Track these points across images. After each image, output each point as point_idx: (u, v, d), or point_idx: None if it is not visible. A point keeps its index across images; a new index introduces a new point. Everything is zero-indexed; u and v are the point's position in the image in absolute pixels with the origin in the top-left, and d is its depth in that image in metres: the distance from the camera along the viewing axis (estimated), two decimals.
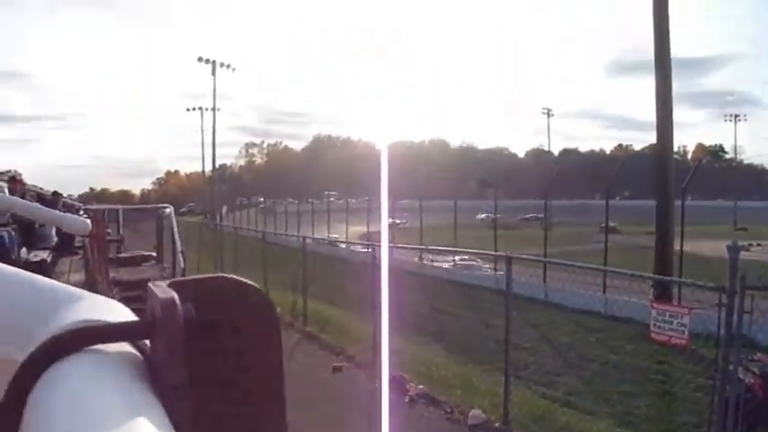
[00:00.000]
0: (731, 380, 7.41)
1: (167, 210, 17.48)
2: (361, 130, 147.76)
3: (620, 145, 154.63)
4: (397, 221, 44.80)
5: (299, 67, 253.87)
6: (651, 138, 27.77)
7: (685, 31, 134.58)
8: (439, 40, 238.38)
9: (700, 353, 9.75)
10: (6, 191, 10.99)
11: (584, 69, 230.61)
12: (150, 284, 0.69)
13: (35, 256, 10.14)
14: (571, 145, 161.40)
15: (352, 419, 10.09)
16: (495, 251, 23.07)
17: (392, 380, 11.79)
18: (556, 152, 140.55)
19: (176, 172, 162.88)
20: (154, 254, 17.06)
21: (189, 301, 0.65)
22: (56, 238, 12.07)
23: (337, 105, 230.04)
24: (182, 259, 14.79)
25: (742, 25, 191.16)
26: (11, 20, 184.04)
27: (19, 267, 0.89)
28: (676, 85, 23.84)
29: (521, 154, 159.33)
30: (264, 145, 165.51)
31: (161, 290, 0.65)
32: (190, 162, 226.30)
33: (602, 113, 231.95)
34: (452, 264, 32.39)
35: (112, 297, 1.03)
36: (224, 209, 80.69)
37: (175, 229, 15.84)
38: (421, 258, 31.92)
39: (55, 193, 17.12)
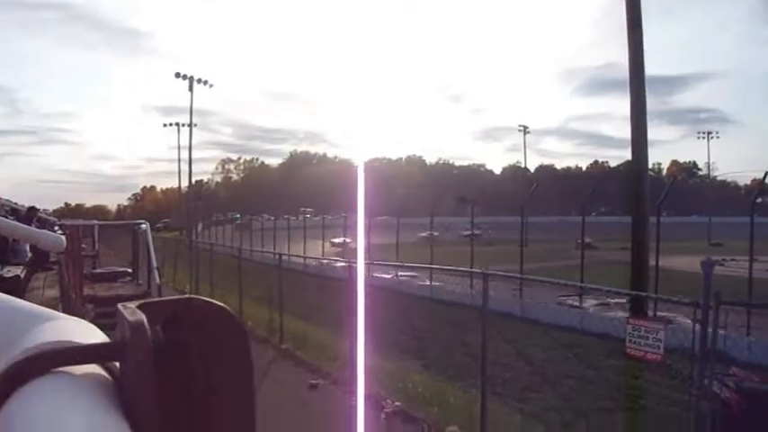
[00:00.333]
0: (707, 395, 7.44)
1: (143, 226, 17.42)
2: (338, 147, 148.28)
3: (595, 162, 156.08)
4: (347, 240, 45.92)
5: (277, 84, 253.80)
6: (626, 155, 27.96)
7: (659, 49, 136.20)
8: (416, 57, 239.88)
9: (675, 368, 9.80)
10: None
11: (560, 87, 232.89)
12: (120, 306, 0.69)
13: (8, 271, 10.05)
14: (547, 161, 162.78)
15: None
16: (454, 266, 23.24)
17: (369, 396, 11.77)
18: (532, 169, 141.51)
19: (152, 187, 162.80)
20: (129, 270, 16.99)
21: (158, 324, 0.65)
22: (30, 254, 11.98)
23: (314, 122, 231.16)
24: (157, 275, 14.73)
25: (714, 44, 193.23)
26: None
27: None
28: (650, 103, 24.04)
29: (497, 171, 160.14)
30: (241, 161, 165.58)
31: (130, 312, 0.65)
32: (166, 178, 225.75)
33: (577, 131, 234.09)
34: (394, 276, 33.97)
35: (87, 313, 1.02)
36: (200, 225, 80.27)
37: (151, 246, 15.78)
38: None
39: (31, 208, 16.99)
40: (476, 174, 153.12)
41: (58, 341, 0.70)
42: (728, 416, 8.20)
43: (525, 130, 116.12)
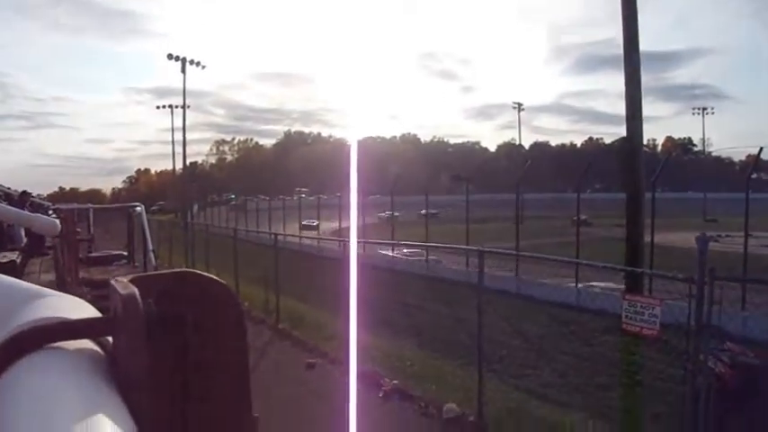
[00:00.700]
0: (702, 370, 7.48)
1: (138, 208, 17.36)
2: (333, 126, 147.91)
3: (590, 138, 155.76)
4: (316, 222, 46.37)
5: (270, 64, 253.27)
6: (621, 131, 27.95)
7: (654, 25, 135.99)
8: (410, 35, 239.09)
9: (671, 344, 9.83)
10: None
11: (554, 64, 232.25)
12: (112, 281, 0.68)
13: (4, 257, 10.02)
14: (542, 138, 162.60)
15: (326, 415, 10.07)
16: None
17: (366, 375, 11.79)
18: (527, 146, 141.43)
19: (147, 170, 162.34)
20: (125, 253, 16.96)
21: (151, 297, 0.65)
22: (25, 239, 11.95)
23: (308, 102, 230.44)
24: (153, 258, 14.72)
25: (709, 21, 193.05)
26: None
27: None
28: (645, 79, 23.98)
29: (492, 148, 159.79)
30: (235, 142, 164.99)
31: (122, 286, 0.65)
32: (161, 160, 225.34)
33: (572, 107, 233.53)
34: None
35: (83, 296, 1.01)
36: (195, 207, 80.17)
37: (146, 228, 15.76)
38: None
39: (24, 192, 16.94)
40: (470, 151, 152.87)
41: (51, 317, 0.70)
42: (723, 390, 8.24)
43: (520, 107, 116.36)
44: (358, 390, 10.84)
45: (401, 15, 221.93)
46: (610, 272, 18.09)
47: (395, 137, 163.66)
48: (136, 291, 0.63)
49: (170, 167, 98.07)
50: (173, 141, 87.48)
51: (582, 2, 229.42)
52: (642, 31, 23.87)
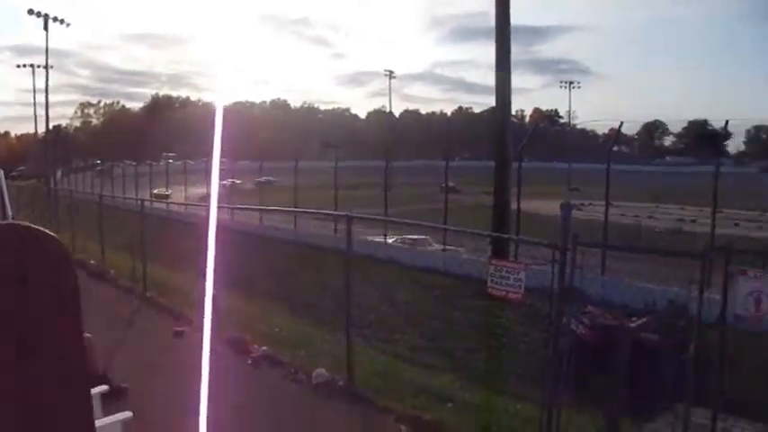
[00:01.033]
0: (564, 332, 7.68)
1: None
2: (201, 90, 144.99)
3: (460, 108, 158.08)
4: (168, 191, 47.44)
5: (137, 25, 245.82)
6: (491, 101, 28.50)
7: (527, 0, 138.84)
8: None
9: (536, 307, 10.10)
10: None
11: (428, 34, 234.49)
12: None
13: None
14: (413, 107, 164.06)
15: (195, 383, 9.91)
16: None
17: (234, 342, 11.68)
18: (398, 114, 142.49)
19: (6, 133, 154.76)
20: None
21: None
22: None
23: (177, 65, 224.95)
24: None
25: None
26: None
27: None
28: (515, 52, 24.52)
29: (362, 115, 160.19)
30: (101, 105, 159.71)
31: None
32: (21, 123, 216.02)
33: (444, 76, 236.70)
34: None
35: None
36: (59, 172, 77.36)
37: (5, 194, 15.05)
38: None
39: None
40: (341, 118, 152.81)
41: None
42: (583, 350, 8.52)
43: (391, 74, 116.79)
44: (226, 356, 10.73)
45: None
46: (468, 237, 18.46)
47: (264, 102, 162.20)
48: None
49: (32, 131, 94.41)
50: (34, 103, 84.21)
51: None
52: (514, 5, 24.35)
